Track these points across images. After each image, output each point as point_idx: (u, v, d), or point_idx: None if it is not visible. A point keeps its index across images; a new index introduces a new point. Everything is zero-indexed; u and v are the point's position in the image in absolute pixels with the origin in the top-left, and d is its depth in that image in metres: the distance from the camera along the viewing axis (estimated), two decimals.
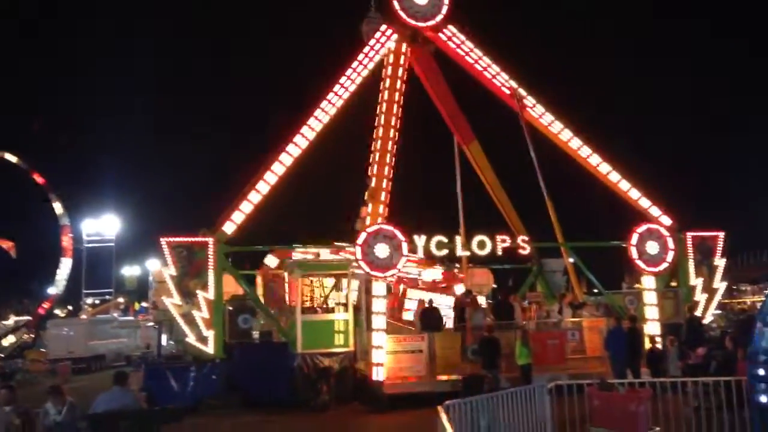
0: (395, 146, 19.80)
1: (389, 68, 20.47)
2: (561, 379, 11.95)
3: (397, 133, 19.97)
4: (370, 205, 19.08)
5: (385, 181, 19.23)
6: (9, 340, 39.17)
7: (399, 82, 20.35)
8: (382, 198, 19.09)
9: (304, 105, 19.64)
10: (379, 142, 19.71)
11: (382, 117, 20.02)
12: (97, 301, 52.18)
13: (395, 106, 20.10)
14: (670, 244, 18.45)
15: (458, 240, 17.92)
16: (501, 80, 21.14)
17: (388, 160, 19.43)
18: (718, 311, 20.40)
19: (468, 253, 18.67)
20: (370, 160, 19.70)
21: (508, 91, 21.12)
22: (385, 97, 20.17)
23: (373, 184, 19.15)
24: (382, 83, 20.45)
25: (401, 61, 20.52)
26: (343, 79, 19.70)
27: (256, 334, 18.72)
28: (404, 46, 20.71)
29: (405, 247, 16.47)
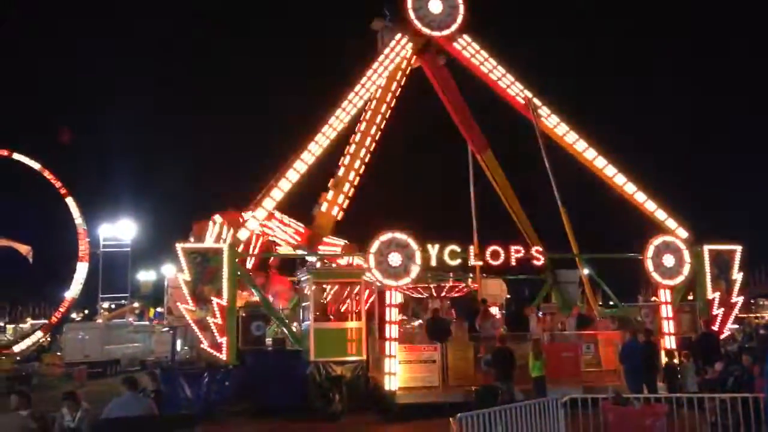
0: (374, 143, 20.55)
1: (388, 69, 20.57)
2: (575, 392, 11.86)
3: (378, 131, 20.59)
4: (331, 193, 19.43)
5: (353, 173, 19.90)
6: (26, 343, 39.52)
7: (394, 84, 20.60)
8: (345, 189, 19.99)
9: (315, 113, 19.89)
10: (359, 135, 20.33)
11: (369, 114, 20.58)
12: (113, 306, 52.51)
13: (384, 105, 20.48)
14: (687, 257, 18.27)
15: (471, 250, 17.88)
16: (515, 90, 21.10)
17: (362, 155, 20.14)
18: (735, 326, 20.11)
19: (481, 263, 18.60)
20: (345, 151, 20.54)
21: (522, 101, 21.08)
22: (377, 95, 20.53)
23: (340, 173, 19.53)
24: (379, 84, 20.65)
25: (401, 64, 20.66)
26: (357, 87, 19.78)
27: (269, 341, 18.74)
28: (407, 49, 20.79)
29: (418, 255, 16.45)
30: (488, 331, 17.34)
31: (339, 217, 20.35)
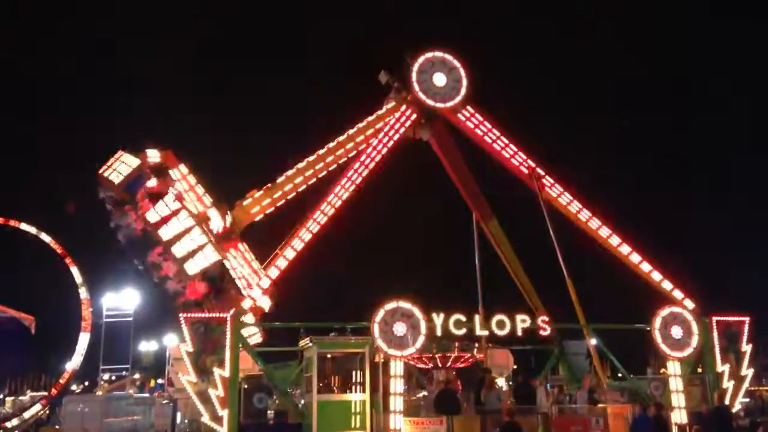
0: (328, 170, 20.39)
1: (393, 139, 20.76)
2: None
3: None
4: (260, 193, 19.66)
5: (290, 185, 19.85)
6: (24, 416, 38.80)
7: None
8: (276, 196, 19.85)
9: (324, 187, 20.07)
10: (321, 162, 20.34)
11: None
12: (113, 377, 51.66)
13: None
14: (695, 328, 18.05)
15: (477, 319, 17.70)
16: (519, 159, 21.36)
17: (307, 174, 20.08)
18: (746, 399, 19.68)
19: (487, 333, 18.39)
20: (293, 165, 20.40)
21: (526, 171, 21.31)
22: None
23: (279, 180, 19.92)
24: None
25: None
26: (363, 157, 20.07)
27: (271, 414, 18.35)
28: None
29: (423, 325, 16.29)
30: (493, 403, 16.98)
31: (257, 218, 20.20)
